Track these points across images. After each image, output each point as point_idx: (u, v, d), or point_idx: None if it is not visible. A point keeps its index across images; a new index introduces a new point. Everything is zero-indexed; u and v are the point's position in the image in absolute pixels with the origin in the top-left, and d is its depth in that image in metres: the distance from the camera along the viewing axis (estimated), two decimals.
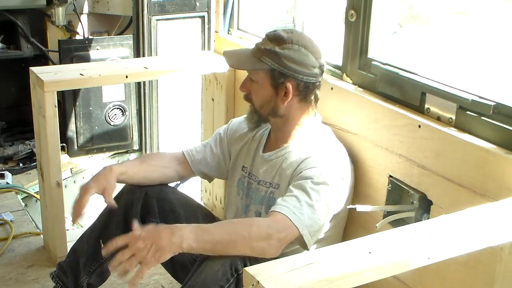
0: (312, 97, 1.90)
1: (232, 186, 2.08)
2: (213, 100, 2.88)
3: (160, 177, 2.07)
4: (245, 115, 2.01)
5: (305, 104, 1.90)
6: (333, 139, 1.97)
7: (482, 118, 1.69)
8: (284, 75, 1.84)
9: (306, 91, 1.88)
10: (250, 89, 1.93)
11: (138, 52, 3.50)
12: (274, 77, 1.85)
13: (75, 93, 3.66)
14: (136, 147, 3.90)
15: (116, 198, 2.04)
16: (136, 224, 1.65)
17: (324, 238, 1.87)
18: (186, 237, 1.58)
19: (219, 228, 1.64)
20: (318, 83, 1.89)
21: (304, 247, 1.72)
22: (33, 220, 2.86)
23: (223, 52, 2.02)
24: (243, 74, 2.65)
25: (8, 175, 3.28)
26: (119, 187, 2.05)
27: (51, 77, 2.35)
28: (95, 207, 2.06)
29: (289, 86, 1.85)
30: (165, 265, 2.13)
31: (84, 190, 1.91)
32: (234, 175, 2.08)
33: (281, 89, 1.86)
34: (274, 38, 1.86)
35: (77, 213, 1.91)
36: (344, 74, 2.16)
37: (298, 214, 1.69)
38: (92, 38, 3.79)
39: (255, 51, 1.89)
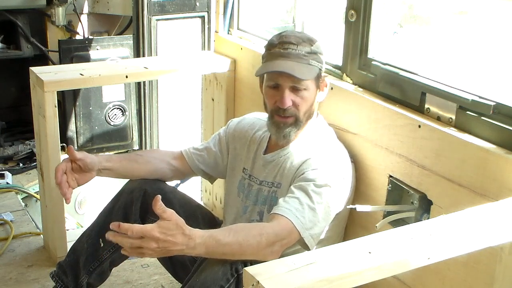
0: None
1: (232, 187, 2.08)
2: (213, 100, 2.88)
3: (149, 167, 2.05)
4: (273, 127, 1.90)
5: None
6: (335, 139, 1.97)
7: (482, 118, 1.69)
8: (322, 71, 1.88)
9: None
10: (293, 100, 1.84)
11: (138, 52, 3.50)
12: (317, 77, 1.87)
13: (75, 93, 3.67)
14: (136, 147, 3.90)
15: (115, 198, 2.05)
16: (159, 202, 1.53)
17: (325, 238, 1.87)
18: (198, 249, 1.56)
19: (231, 239, 1.59)
20: None
21: (306, 248, 1.72)
22: (33, 220, 2.86)
23: (272, 70, 1.83)
24: (242, 74, 2.66)
25: (8, 175, 3.29)
26: (114, 185, 2.04)
27: (51, 77, 2.35)
28: (94, 206, 2.06)
29: (326, 79, 1.91)
30: (165, 264, 2.13)
31: (55, 169, 1.90)
32: (234, 176, 2.08)
33: (320, 86, 1.90)
34: (303, 39, 1.84)
35: (57, 177, 1.88)
36: (344, 74, 2.16)
37: (300, 217, 1.69)
38: (92, 38, 3.80)
39: (299, 59, 1.82)
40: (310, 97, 1.86)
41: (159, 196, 1.56)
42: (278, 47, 1.84)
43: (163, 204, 1.55)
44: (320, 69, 1.87)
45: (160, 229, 1.52)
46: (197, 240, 1.55)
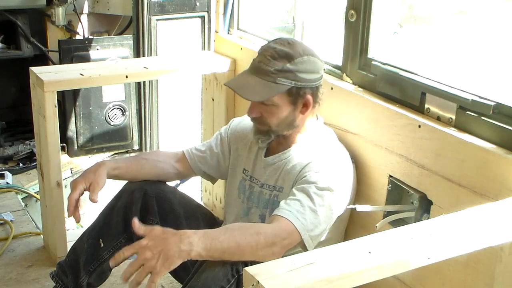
0: (320, 98, 1.90)
1: (232, 188, 2.08)
2: (213, 100, 2.88)
3: (155, 172, 2.05)
4: (255, 132, 1.93)
5: (315, 108, 1.90)
6: (336, 142, 1.97)
7: (482, 118, 1.69)
8: (302, 88, 1.81)
9: (319, 95, 1.87)
10: (262, 112, 1.85)
11: (138, 52, 3.50)
12: (292, 94, 1.82)
13: (75, 93, 3.67)
14: (136, 147, 3.90)
15: (115, 198, 2.05)
16: (137, 223, 1.61)
17: (326, 240, 1.86)
18: (195, 245, 1.55)
19: (228, 236, 1.59)
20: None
21: (305, 249, 1.72)
22: (33, 220, 2.86)
23: (228, 85, 1.87)
24: None
25: (8, 175, 3.29)
26: (114, 185, 2.05)
27: (51, 77, 2.35)
28: (94, 206, 2.06)
29: (309, 97, 1.83)
30: None
31: (73, 187, 1.92)
32: (234, 177, 2.08)
33: (300, 102, 1.83)
34: (280, 55, 1.79)
35: (70, 210, 1.91)
36: (344, 74, 2.16)
37: (301, 219, 1.69)
38: (92, 38, 3.80)
39: (264, 75, 1.80)
40: (280, 112, 1.83)
41: (136, 218, 1.63)
42: (257, 57, 1.84)
43: (141, 224, 1.62)
44: (295, 87, 1.80)
45: (148, 237, 1.56)
46: (192, 236, 1.56)
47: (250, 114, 1.88)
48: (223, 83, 1.93)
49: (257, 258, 1.60)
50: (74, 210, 1.90)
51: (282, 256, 1.59)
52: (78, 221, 1.95)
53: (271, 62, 1.79)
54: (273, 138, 1.91)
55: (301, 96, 1.82)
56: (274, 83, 1.79)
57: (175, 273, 2.12)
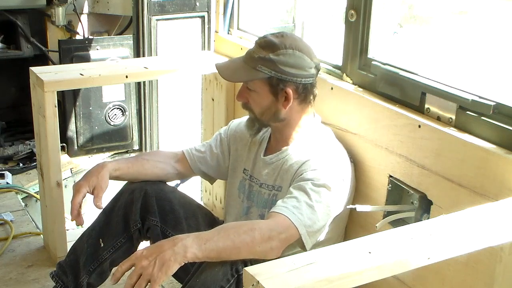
0: (311, 97, 1.90)
1: (232, 188, 2.08)
2: (213, 100, 2.88)
3: (156, 172, 2.06)
4: (246, 120, 1.99)
5: (305, 105, 1.90)
6: (333, 140, 1.97)
7: (482, 118, 1.69)
8: (283, 81, 1.83)
9: (306, 92, 1.87)
10: (248, 98, 1.90)
11: (138, 52, 3.50)
12: (272, 84, 1.84)
13: (75, 93, 3.67)
14: (136, 147, 3.90)
15: (115, 198, 2.05)
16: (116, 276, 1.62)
17: (325, 240, 1.86)
18: (189, 246, 1.56)
19: (222, 235, 1.60)
20: (315, 82, 1.89)
21: (303, 247, 1.72)
22: (33, 220, 2.86)
23: (215, 65, 1.96)
24: None
25: (8, 175, 3.28)
26: (114, 185, 2.05)
27: (51, 77, 2.35)
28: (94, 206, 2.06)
29: (289, 91, 1.84)
30: None
31: (76, 190, 1.92)
32: (234, 177, 2.08)
33: (281, 95, 1.85)
34: (266, 45, 1.83)
35: (73, 214, 1.91)
36: (344, 74, 2.16)
37: (297, 214, 1.69)
38: (92, 38, 3.80)
39: (249, 61, 1.86)
40: (259, 100, 1.87)
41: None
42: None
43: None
44: (276, 77, 1.82)
45: (143, 248, 1.60)
46: (185, 239, 1.57)
47: (237, 99, 1.93)
48: (216, 63, 1.97)
49: (255, 255, 1.60)
50: (78, 215, 1.91)
51: (282, 256, 1.60)
52: (80, 225, 1.95)
53: (258, 50, 1.85)
54: (258, 127, 1.95)
55: (282, 88, 1.84)
56: (254, 69, 1.83)
57: (175, 274, 2.11)
